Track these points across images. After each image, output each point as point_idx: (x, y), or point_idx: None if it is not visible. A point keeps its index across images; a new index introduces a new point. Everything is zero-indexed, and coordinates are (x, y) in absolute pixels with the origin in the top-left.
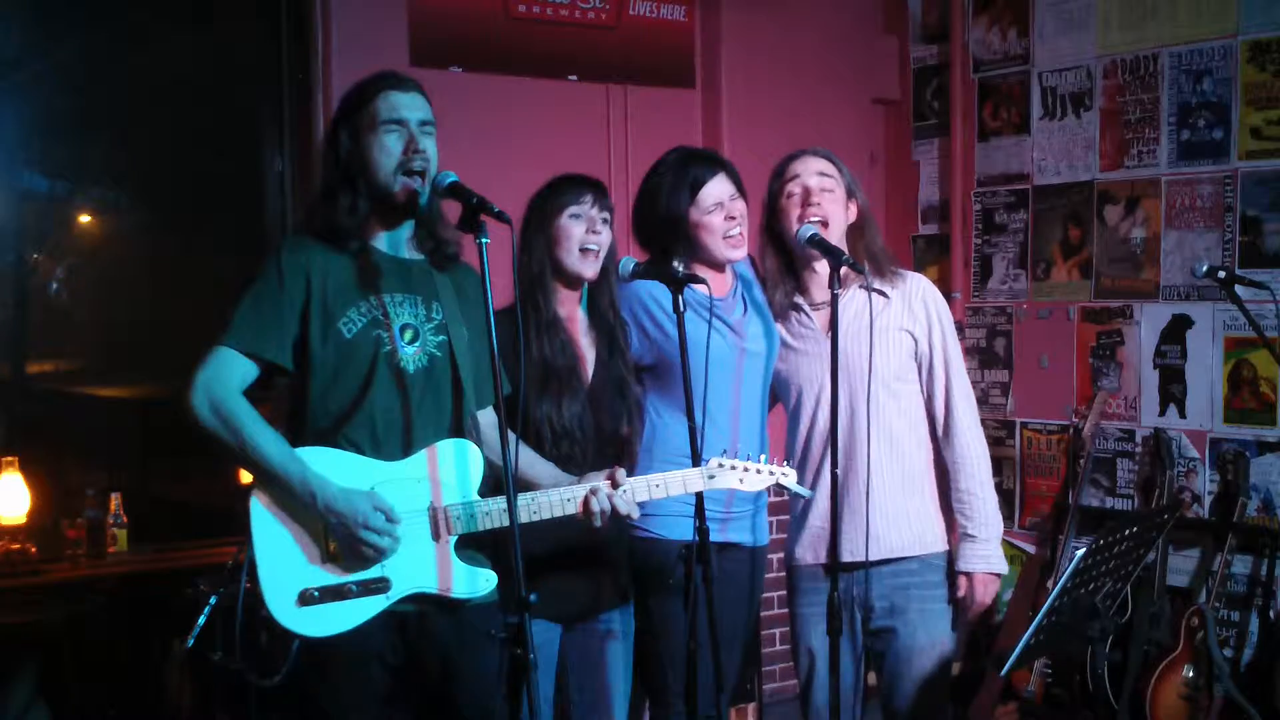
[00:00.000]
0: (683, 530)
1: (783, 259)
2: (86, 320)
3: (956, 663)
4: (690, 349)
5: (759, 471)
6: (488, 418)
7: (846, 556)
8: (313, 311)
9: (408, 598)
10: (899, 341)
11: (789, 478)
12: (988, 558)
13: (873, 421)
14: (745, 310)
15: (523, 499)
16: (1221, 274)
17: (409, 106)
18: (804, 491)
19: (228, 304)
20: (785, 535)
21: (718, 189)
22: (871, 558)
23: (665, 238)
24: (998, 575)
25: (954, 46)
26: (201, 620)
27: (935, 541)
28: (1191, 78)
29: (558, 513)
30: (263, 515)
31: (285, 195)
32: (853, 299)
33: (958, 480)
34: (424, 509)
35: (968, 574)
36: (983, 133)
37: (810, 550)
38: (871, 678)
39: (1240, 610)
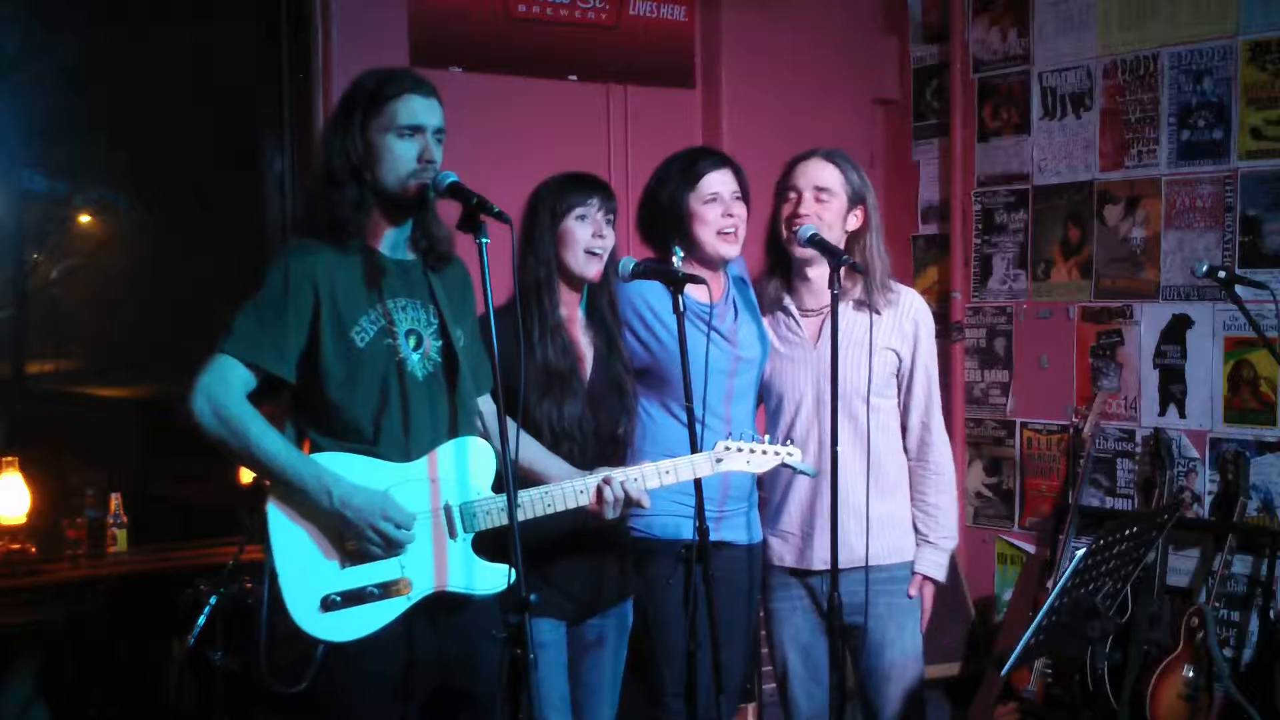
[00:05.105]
0: (676, 529)
1: (777, 257)
2: (86, 320)
3: (956, 663)
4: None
5: (764, 452)
6: (488, 405)
7: (819, 565)
8: (323, 320)
9: (429, 597)
10: (884, 359)
11: (795, 456)
12: (940, 566)
13: (854, 434)
14: (737, 315)
15: (535, 492)
16: (1221, 274)
17: (428, 113)
18: (809, 470)
19: (227, 305)
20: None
21: (718, 181)
22: (845, 566)
23: (665, 227)
24: (939, 583)
25: (954, 46)
26: (201, 620)
27: (906, 551)
28: (1191, 78)
29: (571, 504)
30: (280, 521)
31: (285, 195)
32: (843, 313)
33: (927, 493)
34: (439, 509)
35: (925, 576)
36: (983, 133)
37: (778, 553)
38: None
39: (1240, 610)
